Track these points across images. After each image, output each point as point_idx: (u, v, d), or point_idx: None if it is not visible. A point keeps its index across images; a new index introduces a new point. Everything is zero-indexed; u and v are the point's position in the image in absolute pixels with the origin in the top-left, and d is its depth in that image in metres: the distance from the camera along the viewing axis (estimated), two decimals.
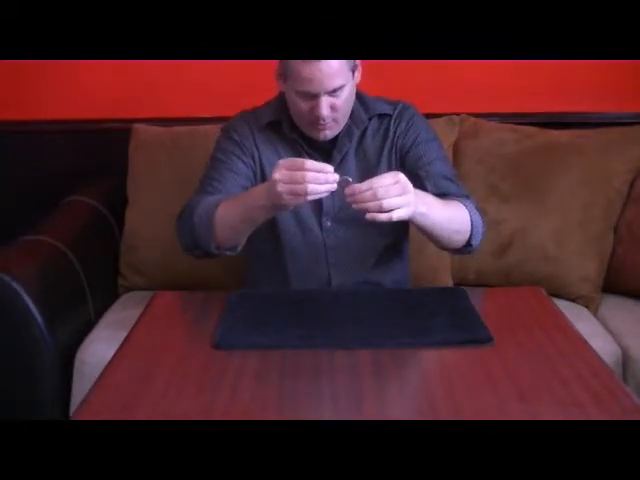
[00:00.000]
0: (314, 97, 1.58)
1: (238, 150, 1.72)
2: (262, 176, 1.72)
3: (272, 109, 1.74)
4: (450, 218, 1.59)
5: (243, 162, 1.71)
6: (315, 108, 1.59)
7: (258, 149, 1.72)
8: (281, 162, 1.42)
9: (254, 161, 1.72)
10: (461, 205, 1.63)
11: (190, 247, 1.66)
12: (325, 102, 1.58)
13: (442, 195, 1.63)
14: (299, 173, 1.39)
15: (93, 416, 1.13)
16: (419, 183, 1.68)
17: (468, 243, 1.64)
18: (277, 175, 1.41)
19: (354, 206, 1.40)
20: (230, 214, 1.56)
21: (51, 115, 2.46)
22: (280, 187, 1.40)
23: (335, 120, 1.63)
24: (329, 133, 1.65)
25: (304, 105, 1.60)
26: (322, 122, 1.61)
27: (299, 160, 1.42)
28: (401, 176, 1.41)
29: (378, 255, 1.74)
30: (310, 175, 1.38)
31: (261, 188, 1.53)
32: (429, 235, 1.59)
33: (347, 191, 1.40)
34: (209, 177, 1.71)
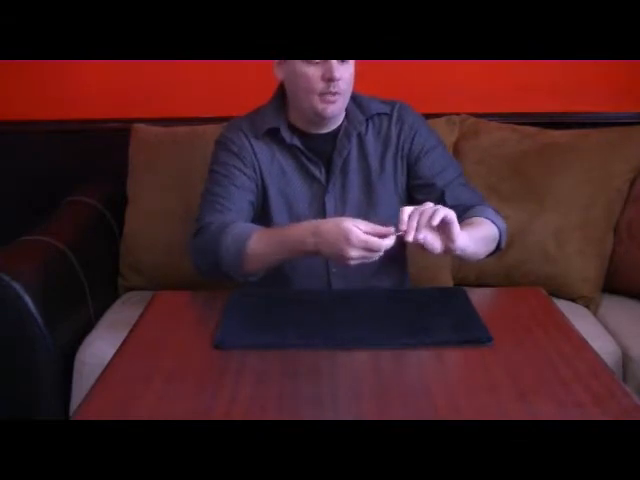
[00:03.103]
0: (326, 62, 1.59)
1: (239, 163, 1.70)
2: (262, 186, 1.72)
3: (269, 116, 1.73)
4: (485, 244, 1.62)
5: (246, 175, 1.70)
6: (327, 72, 1.59)
7: (257, 158, 1.71)
8: (352, 228, 1.41)
9: (255, 172, 1.71)
10: (489, 223, 1.64)
11: (209, 270, 1.63)
12: (337, 65, 1.59)
13: (459, 206, 1.62)
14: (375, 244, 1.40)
15: (93, 416, 1.13)
16: (436, 193, 1.69)
17: (497, 248, 1.69)
18: (352, 239, 1.40)
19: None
20: (267, 249, 1.55)
21: (51, 115, 2.46)
22: (354, 253, 1.40)
23: (342, 92, 1.63)
24: (336, 109, 1.64)
25: (314, 72, 1.60)
26: (332, 88, 1.60)
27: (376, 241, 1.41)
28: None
29: (379, 262, 1.74)
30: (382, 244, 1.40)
31: (306, 229, 1.51)
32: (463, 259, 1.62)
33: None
34: (215, 194, 1.68)
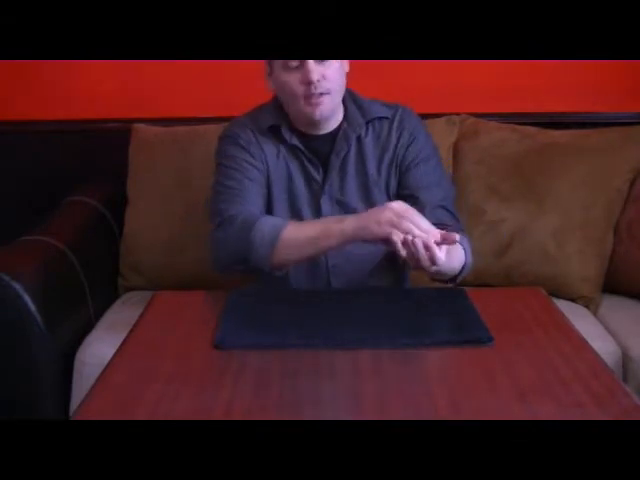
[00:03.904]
0: (303, 66, 1.59)
1: (248, 156, 1.70)
2: (268, 181, 1.71)
3: (270, 114, 1.73)
4: (450, 268, 1.60)
5: (257, 169, 1.70)
6: (305, 75, 1.59)
7: (265, 153, 1.71)
8: (401, 202, 1.48)
9: (264, 166, 1.71)
10: (462, 251, 1.63)
11: (232, 262, 1.61)
12: (313, 67, 1.58)
13: (437, 226, 1.63)
14: (414, 216, 1.44)
15: (93, 416, 1.13)
16: (418, 207, 1.67)
17: (452, 279, 1.66)
18: (394, 204, 1.46)
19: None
20: (303, 238, 1.55)
21: (51, 115, 2.46)
22: (388, 213, 1.44)
23: (328, 92, 1.62)
24: (324, 110, 1.64)
25: (294, 78, 1.60)
26: (314, 90, 1.60)
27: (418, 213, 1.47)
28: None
29: (378, 262, 1.74)
30: (420, 225, 1.44)
31: (349, 218, 1.54)
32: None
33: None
34: (230, 187, 1.67)
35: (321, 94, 1.62)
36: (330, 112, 1.67)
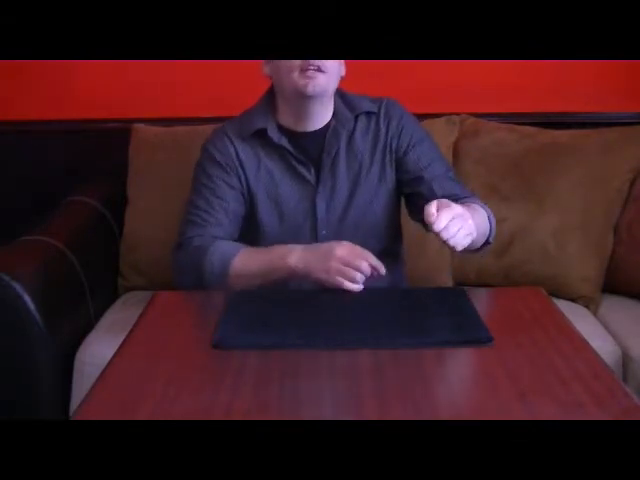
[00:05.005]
0: None
1: (222, 173, 1.71)
2: (249, 192, 1.72)
3: (256, 117, 1.73)
4: (481, 230, 1.59)
5: (229, 185, 1.71)
6: None
7: (242, 165, 1.72)
8: (345, 244, 1.53)
9: (240, 181, 1.72)
10: (482, 211, 1.64)
11: (189, 285, 1.67)
12: None
13: (449, 197, 1.62)
14: (358, 261, 1.50)
15: (93, 416, 1.13)
16: (424, 186, 1.69)
17: (486, 242, 1.66)
18: (339, 252, 1.50)
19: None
20: (250, 271, 1.59)
21: (51, 115, 2.46)
22: (335, 264, 1.49)
23: (324, 71, 1.62)
24: (317, 85, 1.62)
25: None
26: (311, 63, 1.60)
27: (362, 250, 1.52)
28: (455, 211, 1.40)
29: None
30: (365, 267, 1.49)
31: (293, 246, 1.58)
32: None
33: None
34: (196, 207, 1.71)
35: (317, 69, 1.61)
36: (321, 90, 1.65)
